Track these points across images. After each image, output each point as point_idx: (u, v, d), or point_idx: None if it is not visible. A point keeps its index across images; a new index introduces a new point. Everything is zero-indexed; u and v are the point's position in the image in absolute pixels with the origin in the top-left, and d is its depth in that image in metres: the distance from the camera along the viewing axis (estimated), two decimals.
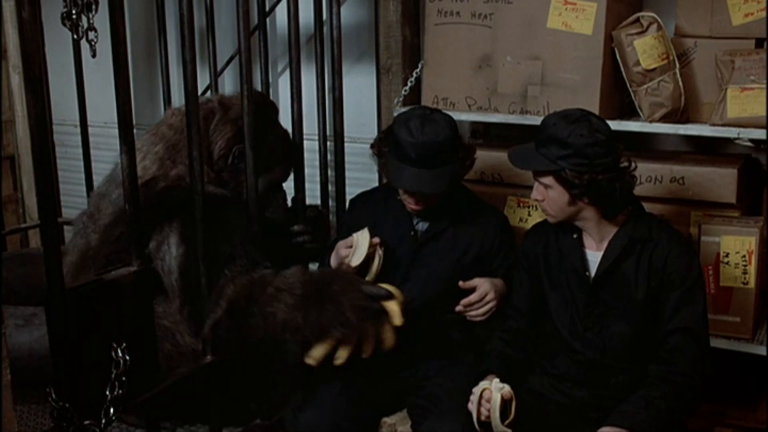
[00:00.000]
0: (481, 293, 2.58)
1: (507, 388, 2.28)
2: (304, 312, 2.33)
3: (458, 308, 2.58)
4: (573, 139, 2.28)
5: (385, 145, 2.66)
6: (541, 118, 2.40)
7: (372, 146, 2.75)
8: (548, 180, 2.35)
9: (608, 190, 2.30)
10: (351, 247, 2.60)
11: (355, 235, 2.60)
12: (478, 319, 2.59)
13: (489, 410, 2.27)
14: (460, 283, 2.59)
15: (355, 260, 2.56)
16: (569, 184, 2.30)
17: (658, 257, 2.35)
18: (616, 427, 2.22)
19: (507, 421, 2.27)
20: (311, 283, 2.39)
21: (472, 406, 2.31)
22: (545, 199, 2.39)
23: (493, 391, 2.28)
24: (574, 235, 2.45)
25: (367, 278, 2.62)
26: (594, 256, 2.42)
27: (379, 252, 2.63)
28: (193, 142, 2.61)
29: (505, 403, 2.27)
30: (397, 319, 2.34)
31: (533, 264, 2.53)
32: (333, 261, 2.68)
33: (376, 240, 2.62)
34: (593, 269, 2.41)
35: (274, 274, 2.44)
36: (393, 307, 2.35)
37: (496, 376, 2.33)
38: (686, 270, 2.34)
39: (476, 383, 2.35)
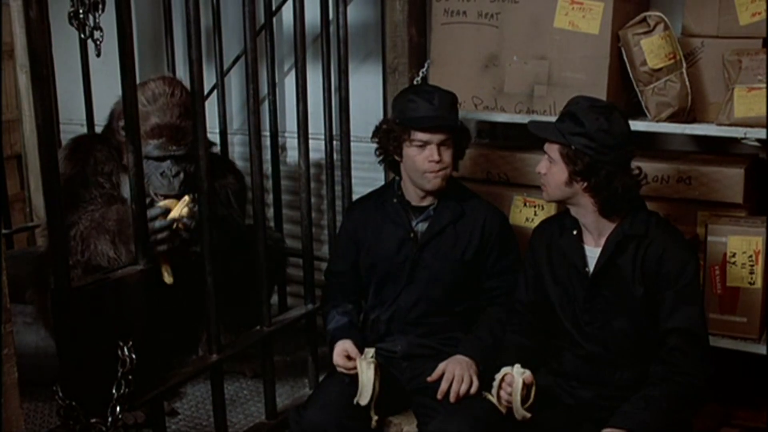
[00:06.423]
0: (448, 377, 2.54)
1: (528, 372, 2.31)
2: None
3: (439, 397, 2.54)
4: (588, 121, 2.31)
5: (395, 115, 2.70)
6: (548, 118, 2.41)
7: (377, 131, 2.76)
8: (555, 153, 2.37)
9: (605, 182, 2.32)
10: (348, 358, 2.58)
11: (361, 377, 2.53)
12: (472, 391, 2.53)
13: (510, 394, 2.30)
14: (428, 378, 2.57)
15: (363, 401, 2.53)
16: (570, 161, 2.33)
17: (653, 255, 2.36)
18: (617, 429, 2.22)
19: (526, 405, 2.29)
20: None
21: (493, 392, 2.35)
22: (547, 174, 2.41)
23: (515, 375, 2.31)
24: (574, 232, 2.46)
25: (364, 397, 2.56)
26: (592, 252, 2.43)
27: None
28: (199, 140, 2.62)
29: (526, 388, 2.30)
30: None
31: (538, 259, 2.55)
32: (334, 354, 2.65)
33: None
34: (591, 265, 2.42)
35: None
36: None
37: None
38: (681, 269, 2.34)
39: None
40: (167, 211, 2.78)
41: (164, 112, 2.95)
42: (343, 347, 2.62)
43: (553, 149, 2.39)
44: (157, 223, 2.73)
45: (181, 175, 2.96)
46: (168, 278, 2.83)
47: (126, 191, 2.92)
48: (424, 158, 2.63)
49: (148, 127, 2.93)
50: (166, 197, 2.92)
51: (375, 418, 2.59)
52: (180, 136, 2.96)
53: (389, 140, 2.69)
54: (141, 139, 2.89)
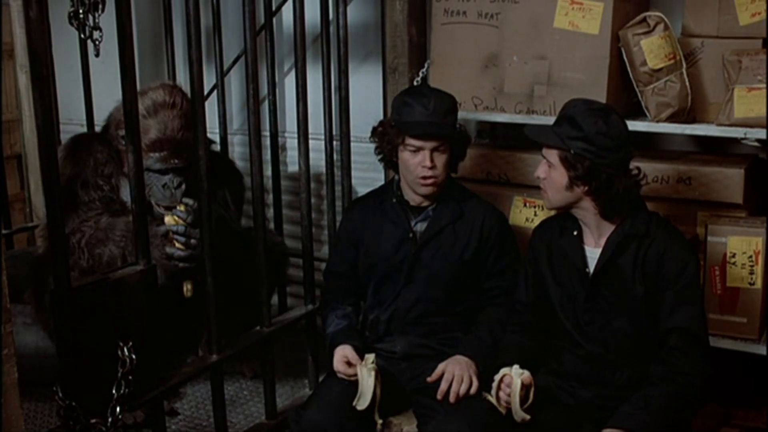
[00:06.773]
0: (447, 377, 2.54)
1: (527, 373, 2.31)
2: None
3: (439, 397, 2.53)
4: (586, 124, 2.31)
5: (391, 117, 2.70)
6: (548, 118, 2.41)
7: (373, 132, 2.76)
8: (553, 158, 2.37)
9: (606, 185, 2.32)
10: (347, 363, 2.57)
11: (362, 384, 2.53)
12: (472, 392, 2.53)
13: (509, 395, 2.30)
14: (428, 378, 2.57)
15: (361, 405, 2.53)
16: (570, 166, 2.33)
17: (653, 255, 2.36)
18: (617, 429, 2.23)
19: (525, 406, 2.29)
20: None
21: (492, 393, 2.35)
22: (547, 178, 2.41)
23: (513, 376, 2.31)
24: (575, 232, 2.47)
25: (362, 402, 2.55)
26: (593, 253, 2.43)
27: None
28: (199, 140, 2.62)
29: (525, 389, 2.30)
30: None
31: (539, 259, 2.55)
32: (335, 360, 2.64)
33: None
34: (592, 265, 2.42)
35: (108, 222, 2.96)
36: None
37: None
38: (681, 269, 2.34)
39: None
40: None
41: (165, 125, 2.94)
42: (343, 353, 2.61)
43: (551, 154, 2.38)
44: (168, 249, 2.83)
45: (183, 186, 2.96)
46: (188, 292, 2.88)
47: (125, 194, 2.92)
48: (417, 163, 2.62)
49: (149, 140, 2.93)
50: (167, 208, 2.94)
51: (380, 421, 2.60)
52: (181, 149, 2.95)
53: (384, 142, 2.70)
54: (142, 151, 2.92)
